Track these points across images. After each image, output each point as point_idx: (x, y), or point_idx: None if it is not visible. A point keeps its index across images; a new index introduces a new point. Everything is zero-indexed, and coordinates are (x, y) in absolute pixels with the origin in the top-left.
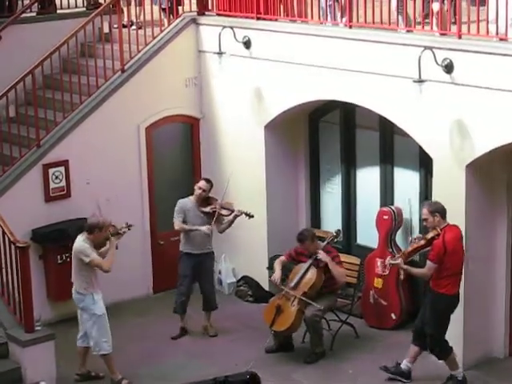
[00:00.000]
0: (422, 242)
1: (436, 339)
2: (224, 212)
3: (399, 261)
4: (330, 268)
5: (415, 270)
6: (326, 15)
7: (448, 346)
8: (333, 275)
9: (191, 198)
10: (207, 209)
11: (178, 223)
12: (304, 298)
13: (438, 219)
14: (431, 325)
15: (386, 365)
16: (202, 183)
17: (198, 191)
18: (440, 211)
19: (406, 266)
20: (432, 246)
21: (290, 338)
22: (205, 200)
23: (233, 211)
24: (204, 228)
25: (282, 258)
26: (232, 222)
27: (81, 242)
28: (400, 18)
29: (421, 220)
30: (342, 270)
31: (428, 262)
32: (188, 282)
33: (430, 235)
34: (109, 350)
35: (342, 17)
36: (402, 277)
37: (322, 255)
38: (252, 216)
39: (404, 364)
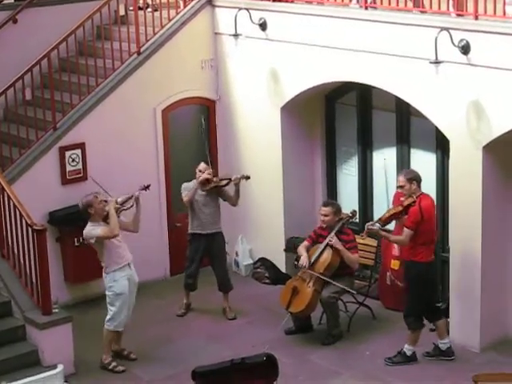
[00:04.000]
0: (400, 209)
1: (408, 307)
2: (223, 183)
3: (376, 227)
4: (342, 254)
5: (392, 237)
6: None
7: (419, 321)
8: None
9: (194, 181)
10: (208, 187)
11: (185, 195)
12: (321, 276)
13: (415, 187)
14: (407, 293)
15: (427, 350)
16: (201, 165)
17: (198, 173)
18: (416, 179)
19: (383, 233)
20: (409, 213)
21: (308, 319)
22: (206, 181)
23: (230, 179)
24: (203, 177)
25: (305, 242)
26: (237, 190)
27: (86, 228)
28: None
29: (437, 200)
30: (355, 256)
31: (405, 229)
32: (195, 265)
33: (406, 202)
34: (117, 328)
35: None
36: None
37: (333, 241)
38: (248, 177)
39: (440, 343)
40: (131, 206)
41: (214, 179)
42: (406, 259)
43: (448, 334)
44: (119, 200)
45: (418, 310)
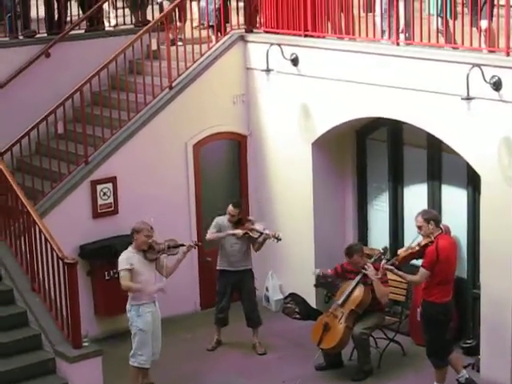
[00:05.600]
0: (416, 249)
1: (429, 347)
2: (254, 235)
3: (390, 267)
4: (374, 286)
5: (408, 277)
6: (382, 32)
7: (443, 359)
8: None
9: (227, 216)
10: (240, 232)
11: (210, 232)
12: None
13: (432, 227)
14: (424, 332)
15: None
16: (229, 208)
17: (227, 216)
18: (434, 219)
19: (400, 272)
20: (425, 254)
21: (339, 355)
22: (238, 221)
23: (262, 233)
24: (237, 231)
25: (329, 270)
26: (263, 242)
27: (124, 253)
28: (441, 35)
29: (468, 236)
30: (386, 289)
31: (421, 269)
32: (226, 300)
33: (423, 242)
34: (143, 365)
35: (398, 34)
36: None
37: (369, 270)
38: (280, 239)
39: (459, 378)
40: (174, 254)
41: (247, 224)
42: (422, 298)
43: (478, 371)
44: (169, 243)
45: (437, 347)
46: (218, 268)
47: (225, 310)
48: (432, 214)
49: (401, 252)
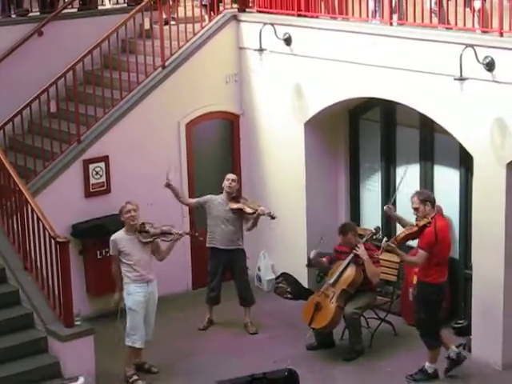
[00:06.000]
0: (415, 229)
1: (423, 327)
2: (248, 210)
3: (394, 245)
4: (365, 266)
5: (407, 257)
6: (375, 12)
7: (437, 340)
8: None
9: (222, 195)
10: (234, 206)
11: (194, 199)
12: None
13: (429, 208)
14: (418, 313)
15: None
16: (229, 174)
17: (226, 182)
18: (430, 200)
19: (400, 252)
20: (423, 234)
21: (330, 334)
22: (234, 198)
23: (256, 210)
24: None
25: (324, 259)
26: (256, 220)
27: (117, 233)
28: (434, 15)
29: (460, 216)
30: (377, 269)
31: (419, 251)
32: (217, 279)
33: (421, 223)
34: (134, 344)
35: (391, 14)
36: None
37: (360, 250)
38: (274, 217)
39: (450, 353)
40: (168, 241)
41: (241, 201)
42: (418, 279)
43: (470, 351)
44: (163, 228)
45: (430, 328)
46: (207, 245)
47: (216, 289)
48: (427, 195)
49: (399, 233)
